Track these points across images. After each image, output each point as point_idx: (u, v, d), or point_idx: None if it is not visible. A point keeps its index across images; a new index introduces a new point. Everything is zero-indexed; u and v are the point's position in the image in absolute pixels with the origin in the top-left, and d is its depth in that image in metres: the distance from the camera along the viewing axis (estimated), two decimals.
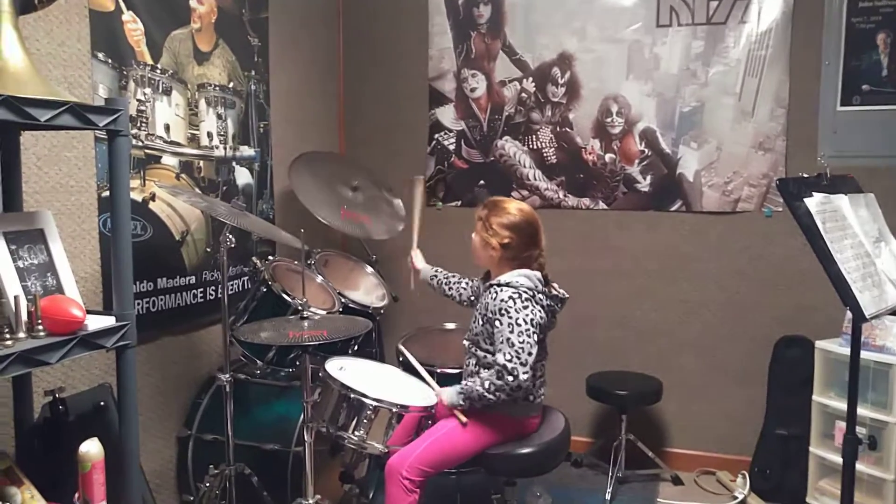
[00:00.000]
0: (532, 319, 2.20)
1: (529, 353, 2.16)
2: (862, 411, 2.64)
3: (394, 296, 3.16)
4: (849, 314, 2.57)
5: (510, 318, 2.19)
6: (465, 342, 2.41)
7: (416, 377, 2.46)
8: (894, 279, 1.98)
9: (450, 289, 2.61)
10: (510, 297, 2.22)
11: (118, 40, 2.32)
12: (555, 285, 2.37)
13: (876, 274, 1.93)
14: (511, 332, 2.17)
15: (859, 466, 2.42)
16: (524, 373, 2.14)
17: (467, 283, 2.59)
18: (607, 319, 3.51)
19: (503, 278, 2.28)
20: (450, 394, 2.28)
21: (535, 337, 2.20)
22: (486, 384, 2.18)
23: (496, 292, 2.26)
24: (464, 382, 2.28)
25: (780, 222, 3.19)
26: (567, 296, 2.37)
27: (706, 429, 3.40)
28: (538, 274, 2.32)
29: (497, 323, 2.21)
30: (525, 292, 2.23)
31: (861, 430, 2.67)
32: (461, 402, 2.24)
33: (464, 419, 2.26)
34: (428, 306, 3.21)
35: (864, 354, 2.32)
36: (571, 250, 3.49)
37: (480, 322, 2.32)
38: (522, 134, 3.60)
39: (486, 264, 2.40)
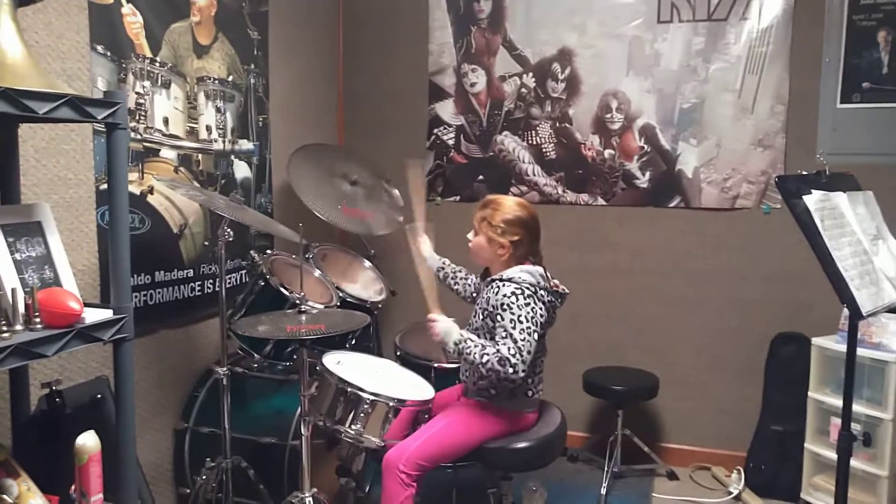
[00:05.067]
0: (533, 317, 2.19)
1: (529, 352, 2.15)
2: (857, 408, 2.65)
3: (391, 290, 3.16)
4: (845, 311, 2.58)
5: (512, 313, 2.18)
6: None
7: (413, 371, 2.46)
8: (891, 277, 1.99)
9: (455, 283, 2.59)
10: (512, 293, 2.21)
11: (117, 33, 2.31)
12: (555, 281, 2.36)
13: (873, 272, 1.94)
14: (513, 328, 2.16)
15: (854, 463, 2.43)
16: (522, 370, 2.12)
17: (472, 280, 2.58)
18: (604, 315, 3.51)
19: (506, 274, 2.27)
20: (447, 331, 2.22)
21: (536, 335, 2.19)
22: (484, 358, 2.13)
23: (498, 287, 2.25)
24: (467, 337, 2.22)
25: (778, 219, 3.20)
26: (567, 292, 2.36)
27: (702, 424, 3.41)
28: (540, 270, 2.31)
29: (499, 318, 2.20)
30: (527, 288, 2.22)
31: (856, 427, 2.70)
32: (451, 346, 2.21)
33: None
34: (425, 301, 3.21)
35: (859, 351, 2.33)
36: (569, 246, 3.49)
37: (480, 316, 2.31)
38: (522, 129, 3.59)
39: (491, 263, 2.37)
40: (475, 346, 2.18)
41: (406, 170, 2.65)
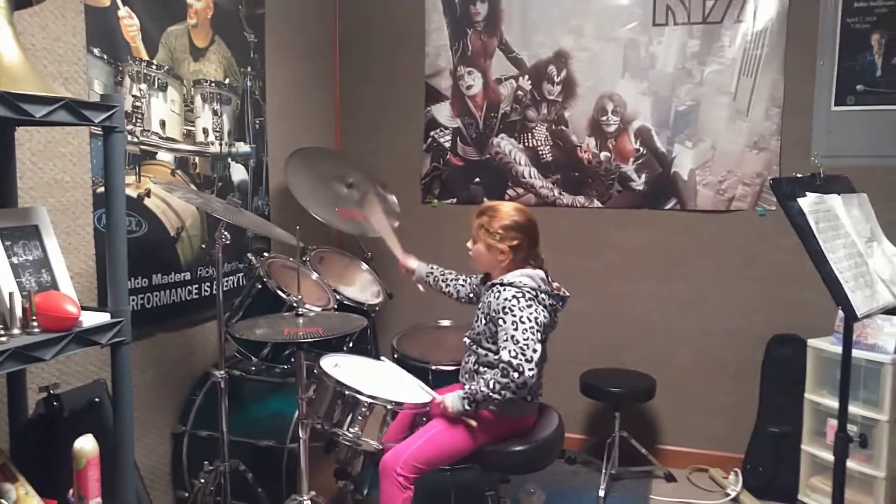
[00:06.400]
0: (536, 318, 2.20)
1: (534, 350, 2.15)
2: (853, 409, 2.66)
3: (389, 293, 3.16)
4: (841, 313, 2.59)
5: (514, 316, 2.18)
6: (466, 340, 2.40)
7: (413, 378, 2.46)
8: (886, 279, 2.00)
9: (447, 286, 2.60)
10: (514, 297, 2.21)
11: (114, 36, 2.31)
12: (556, 284, 2.37)
13: (868, 274, 1.95)
14: (515, 329, 2.16)
15: (850, 464, 2.43)
16: (530, 370, 2.12)
17: (465, 281, 2.58)
18: (601, 317, 3.52)
19: (507, 278, 2.28)
20: (453, 401, 2.23)
21: (539, 335, 2.19)
22: (492, 384, 2.15)
23: (499, 291, 2.25)
24: (466, 386, 2.25)
25: (773, 221, 3.21)
26: (568, 294, 2.37)
27: (699, 426, 3.42)
28: (541, 273, 2.32)
29: (500, 321, 2.21)
30: (528, 292, 2.23)
31: (852, 428, 2.70)
32: (466, 408, 2.21)
33: (474, 423, 2.23)
34: (422, 303, 3.20)
35: (855, 353, 2.34)
36: (566, 248, 3.50)
37: (483, 321, 2.31)
38: (518, 132, 3.60)
39: (492, 269, 2.38)
40: (478, 385, 2.19)
41: (370, 206, 2.76)
